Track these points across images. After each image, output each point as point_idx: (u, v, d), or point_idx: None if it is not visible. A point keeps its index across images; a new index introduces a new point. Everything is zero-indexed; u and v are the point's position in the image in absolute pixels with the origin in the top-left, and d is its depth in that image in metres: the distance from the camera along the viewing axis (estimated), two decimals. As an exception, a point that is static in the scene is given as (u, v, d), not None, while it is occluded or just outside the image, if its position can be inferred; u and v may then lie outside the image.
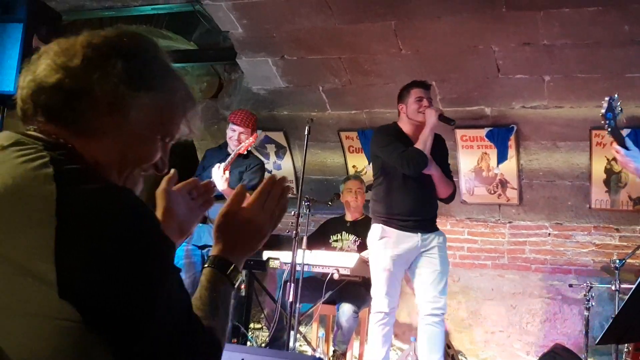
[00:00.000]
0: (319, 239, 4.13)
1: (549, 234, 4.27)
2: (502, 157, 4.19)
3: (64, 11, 4.03)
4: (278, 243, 4.12)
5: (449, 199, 3.32)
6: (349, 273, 3.57)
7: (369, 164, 4.60)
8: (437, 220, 3.31)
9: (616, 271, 3.19)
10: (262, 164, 3.81)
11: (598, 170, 4.02)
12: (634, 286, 2.16)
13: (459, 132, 4.21)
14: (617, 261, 3.21)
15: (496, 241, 4.41)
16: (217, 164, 3.45)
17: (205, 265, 0.96)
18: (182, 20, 4.83)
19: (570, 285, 3.79)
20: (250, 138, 3.58)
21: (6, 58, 3.52)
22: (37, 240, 0.72)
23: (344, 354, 3.71)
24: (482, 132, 4.19)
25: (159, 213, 1.06)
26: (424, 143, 3.08)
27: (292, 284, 3.11)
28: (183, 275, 1.09)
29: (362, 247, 4.00)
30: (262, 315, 4.54)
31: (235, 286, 0.96)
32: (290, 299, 3.10)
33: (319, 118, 4.41)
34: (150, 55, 0.91)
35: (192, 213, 1.11)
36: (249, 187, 3.54)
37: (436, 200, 3.28)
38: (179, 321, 0.79)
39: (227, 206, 1.01)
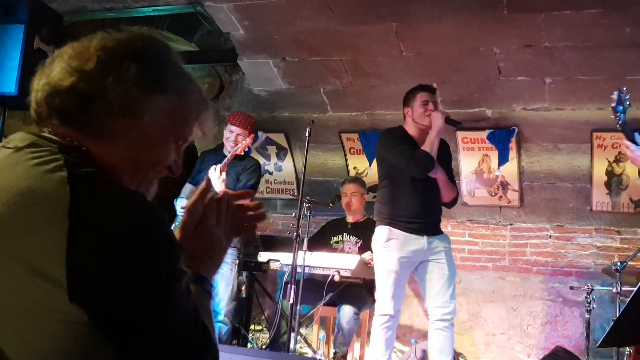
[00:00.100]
0: (320, 240, 4.13)
1: (550, 236, 4.27)
2: (503, 159, 4.19)
3: (66, 12, 4.04)
4: (278, 245, 4.12)
5: (452, 203, 3.33)
6: (349, 275, 3.57)
7: (370, 165, 4.61)
8: (437, 222, 3.32)
9: (617, 273, 3.19)
10: (259, 164, 3.82)
11: (599, 172, 4.02)
12: (635, 289, 2.16)
13: (460, 134, 4.21)
14: (619, 263, 3.21)
15: (497, 243, 4.40)
16: (214, 166, 3.46)
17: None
18: (183, 22, 4.84)
19: (571, 288, 3.79)
20: (247, 139, 3.59)
21: (7, 59, 3.52)
22: (48, 242, 0.72)
23: (344, 356, 3.71)
24: (483, 134, 4.18)
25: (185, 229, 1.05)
26: (431, 145, 3.10)
27: (293, 286, 3.10)
28: None
29: (363, 248, 4.00)
30: (263, 317, 4.53)
31: (213, 297, 0.98)
32: (291, 301, 3.10)
33: (320, 119, 4.41)
34: (164, 58, 0.92)
35: (230, 226, 1.08)
36: (247, 187, 3.56)
37: (441, 204, 3.29)
38: (187, 326, 0.80)
39: (181, 225, 1.00)
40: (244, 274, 4.06)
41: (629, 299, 2.18)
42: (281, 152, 4.92)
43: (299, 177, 4.87)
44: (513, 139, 4.15)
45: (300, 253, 3.24)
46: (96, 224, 0.73)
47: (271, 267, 3.82)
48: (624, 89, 2.20)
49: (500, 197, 4.30)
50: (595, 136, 3.96)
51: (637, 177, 3.92)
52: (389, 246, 3.14)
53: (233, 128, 3.63)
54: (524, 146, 4.21)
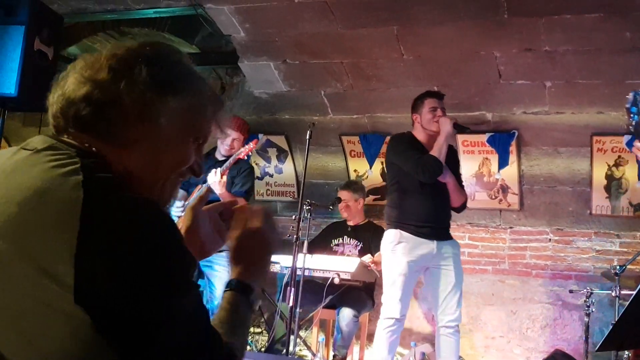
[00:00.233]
0: (321, 243, 4.13)
1: (550, 239, 4.27)
2: (503, 163, 4.20)
3: (66, 14, 4.04)
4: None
5: (461, 208, 3.36)
6: (349, 277, 3.57)
7: (370, 168, 4.61)
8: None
9: (616, 277, 3.20)
10: (252, 168, 3.85)
11: (599, 176, 4.02)
12: (634, 292, 2.16)
13: (460, 137, 4.22)
14: (618, 267, 3.22)
15: (497, 246, 4.41)
16: (214, 169, 3.47)
17: (226, 289, 0.97)
18: (185, 24, 4.84)
19: (571, 291, 3.79)
20: (251, 143, 3.61)
21: (7, 60, 3.52)
22: (59, 243, 0.72)
23: (343, 359, 3.71)
24: (484, 138, 4.19)
25: (183, 229, 1.06)
26: (439, 150, 3.12)
27: (292, 288, 3.11)
28: None
29: (363, 251, 4.01)
30: (262, 320, 4.53)
31: (254, 309, 0.97)
32: (290, 303, 3.10)
33: (320, 122, 4.42)
34: (174, 59, 0.93)
35: (219, 235, 1.11)
36: (242, 191, 3.59)
37: (450, 208, 3.32)
38: (196, 336, 0.79)
39: (238, 229, 1.02)
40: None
41: (628, 303, 2.18)
42: (282, 155, 4.92)
43: (299, 179, 4.87)
44: (513, 143, 4.16)
45: (300, 255, 3.24)
46: (107, 229, 0.74)
47: (270, 269, 3.82)
48: None
49: (500, 200, 4.31)
50: (595, 140, 3.97)
51: (636, 181, 3.93)
52: (398, 249, 3.17)
53: (229, 132, 3.64)
54: (524, 150, 4.21)
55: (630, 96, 2.19)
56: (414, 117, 3.32)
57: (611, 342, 2.28)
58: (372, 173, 4.64)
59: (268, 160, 4.95)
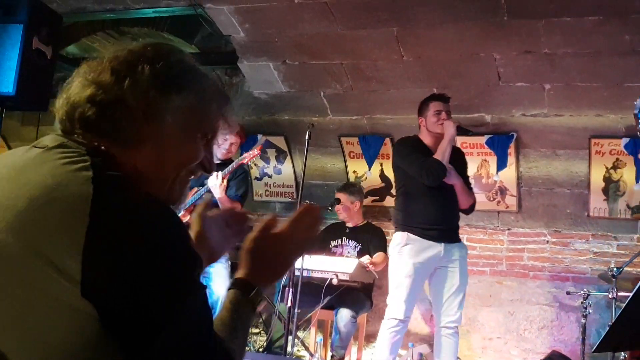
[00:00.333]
0: (320, 244, 4.13)
1: (548, 241, 4.28)
2: (501, 165, 4.21)
3: (65, 13, 4.04)
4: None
5: (470, 209, 3.38)
6: (347, 278, 3.57)
7: (369, 169, 4.62)
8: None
9: (614, 279, 3.21)
10: (246, 172, 3.89)
11: (597, 178, 4.03)
12: (631, 294, 2.17)
13: (459, 139, 4.21)
14: (615, 269, 3.23)
15: (495, 248, 4.41)
16: (215, 173, 3.48)
17: (229, 287, 0.96)
18: (184, 24, 4.84)
19: (568, 293, 3.80)
20: (256, 150, 3.66)
21: (6, 59, 3.51)
22: (68, 237, 0.73)
23: (341, 359, 3.71)
24: (482, 139, 4.20)
25: (193, 235, 1.07)
26: (442, 153, 3.14)
27: (291, 289, 3.11)
28: None
29: (362, 253, 4.01)
30: (260, 320, 4.53)
31: (257, 311, 0.97)
32: (289, 304, 3.11)
33: (320, 123, 4.42)
34: (175, 58, 0.93)
35: (225, 241, 1.12)
36: (237, 195, 3.60)
37: (458, 210, 3.33)
38: (198, 337, 0.79)
39: (258, 231, 1.01)
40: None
41: (625, 305, 2.19)
42: (281, 155, 4.92)
43: (298, 180, 4.87)
44: (512, 145, 4.17)
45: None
46: (115, 226, 0.74)
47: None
48: None
49: (499, 202, 4.32)
50: (594, 142, 3.98)
51: (634, 184, 3.94)
52: (404, 251, 3.18)
53: (227, 136, 3.65)
54: (522, 152, 4.22)
55: (638, 102, 2.20)
56: (419, 120, 3.34)
57: (608, 344, 2.28)
58: (371, 174, 4.64)
59: (267, 160, 4.95)
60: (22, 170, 0.81)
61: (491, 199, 4.34)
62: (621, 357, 3.07)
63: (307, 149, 3.32)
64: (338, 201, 4.14)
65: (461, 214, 3.39)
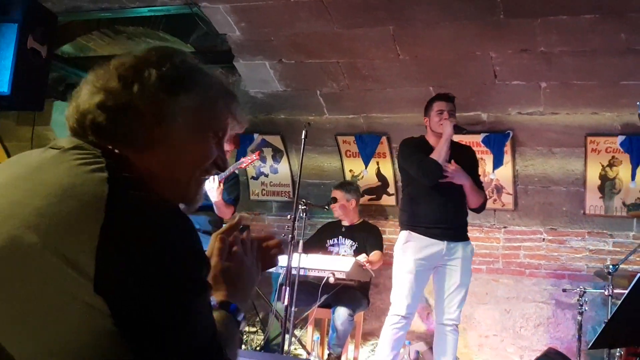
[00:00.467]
0: (316, 243, 4.14)
1: (544, 239, 4.30)
2: (497, 163, 4.21)
3: (60, 12, 4.02)
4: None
5: (480, 209, 3.40)
6: (344, 277, 3.58)
7: (366, 168, 4.62)
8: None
9: (609, 276, 3.22)
10: (238, 176, 3.92)
11: (593, 176, 4.05)
12: (626, 291, 2.18)
13: (455, 138, 4.22)
14: (611, 266, 3.24)
15: (491, 246, 4.42)
16: (211, 177, 3.49)
17: (214, 309, 0.99)
18: (180, 23, 4.82)
19: (564, 290, 3.81)
20: (254, 155, 3.68)
21: (0, 59, 3.50)
22: (82, 234, 0.75)
23: (338, 358, 3.72)
24: (479, 138, 4.20)
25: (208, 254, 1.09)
26: (438, 153, 3.17)
27: (287, 288, 3.11)
28: None
29: (359, 251, 4.02)
30: (257, 319, 4.53)
31: (240, 327, 1.00)
32: (285, 303, 3.11)
33: (316, 122, 4.42)
34: (179, 58, 0.95)
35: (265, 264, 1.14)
36: (230, 199, 3.64)
37: (465, 209, 3.34)
38: (203, 340, 0.80)
39: (216, 259, 1.04)
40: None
41: (620, 302, 2.20)
42: (277, 154, 4.92)
43: (294, 179, 4.87)
44: (508, 143, 4.18)
45: (295, 255, 3.24)
46: (129, 225, 0.76)
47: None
48: None
49: (495, 200, 4.33)
50: (590, 140, 3.99)
51: (630, 181, 3.96)
52: (407, 248, 3.23)
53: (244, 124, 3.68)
54: (518, 150, 4.23)
55: None
56: (424, 120, 3.38)
57: (604, 340, 2.30)
58: (367, 173, 4.64)
59: (263, 160, 4.94)
60: (38, 170, 0.83)
61: (487, 197, 4.34)
62: (617, 354, 3.09)
63: (303, 148, 3.32)
64: (334, 200, 4.15)
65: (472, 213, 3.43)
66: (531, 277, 4.29)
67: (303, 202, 3.58)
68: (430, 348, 3.93)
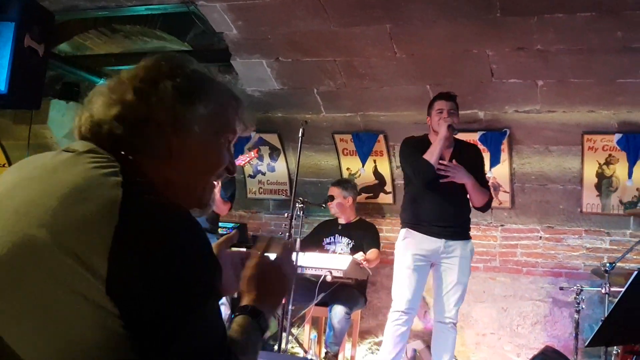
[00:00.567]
0: (313, 241, 4.14)
1: (541, 237, 4.30)
2: (494, 161, 4.21)
3: (57, 11, 4.01)
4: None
5: (484, 207, 3.40)
6: (341, 275, 3.58)
7: (363, 166, 4.62)
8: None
9: (606, 274, 3.22)
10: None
11: (590, 174, 4.05)
12: (623, 289, 2.19)
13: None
14: (608, 264, 3.24)
15: (488, 244, 4.43)
16: None
17: (237, 313, 0.99)
18: (176, 21, 4.82)
19: (561, 288, 3.82)
20: (252, 152, 3.68)
21: (-3, 57, 3.49)
22: (96, 235, 0.76)
23: (335, 356, 3.72)
24: (476, 136, 4.20)
25: None
26: (431, 153, 3.18)
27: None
28: None
29: (355, 249, 4.02)
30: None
31: (264, 336, 1.00)
32: (282, 301, 3.11)
33: (313, 120, 4.42)
34: (189, 68, 0.97)
35: (237, 280, 1.13)
36: (227, 196, 3.64)
37: (466, 208, 3.35)
38: (210, 344, 0.81)
39: (258, 257, 1.06)
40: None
41: (617, 300, 2.21)
42: (274, 153, 4.92)
43: (291, 177, 4.87)
44: (505, 141, 4.18)
45: (293, 254, 3.24)
46: (143, 229, 0.77)
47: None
48: None
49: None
50: (586, 138, 4.00)
51: (626, 179, 3.96)
52: (405, 245, 3.27)
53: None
54: (515, 148, 4.24)
55: None
56: (427, 119, 3.40)
57: (601, 338, 2.30)
58: (364, 171, 4.64)
59: (260, 158, 4.94)
60: (53, 171, 0.84)
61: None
62: (614, 352, 3.09)
63: (300, 146, 3.32)
64: (332, 198, 4.15)
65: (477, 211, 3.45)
66: (528, 275, 4.30)
67: (300, 200, 3.58)
68: (428, 346, 3.94)
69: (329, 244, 4.16)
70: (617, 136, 3.90)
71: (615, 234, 4.10)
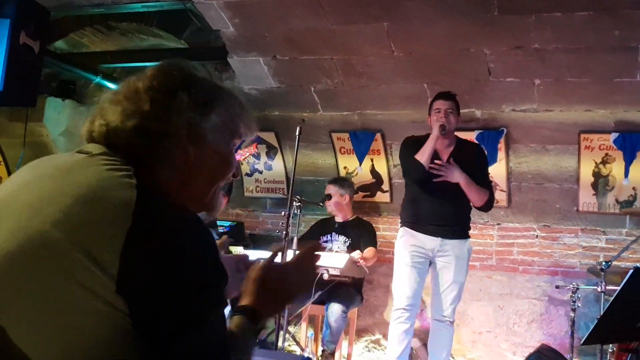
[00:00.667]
0: (310, 239, 4.13)
1: (537, 236, 4.31)
2: (491, 160, 4.20)
3: (53, 8, 3.99)
4: (268, 243, 4.12)
5: (485, 207, 3.38)
6: (338, 273, 3.58)
7: (360, 165, 4.62)
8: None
9: (602, 273, 3.23)
10: None
11: (586, 173, 4.06)
12: (619, 288, 2.20)
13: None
14: (604, 263, 3.25)
15: (484, 243, 4.44)
16: None
17: (235, 312, 1.01)
18: (173, 19, 4.79)
19: (557, 287, 3.82)
20: (251, 147, 3.66)
21: (-8, 54, 3.47)
22: (109, 234, 0.77)
23: (332, 354, 3.72)
24: (473, 135, 4.21)
25: None
26: (422, 153, 3.20)
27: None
28: None
29: (352, 247, 4.02)
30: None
31: (259, 339, 1.01)
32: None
33: (310, 119, 4.41)
34: (199, 77, 0.98)
35: (232, 285, 1.14)
36: (225, 191, 3.62)
37: (466, 207, 3.35)
38: (218, 347, 0.83)
39: (267, 260, 1.07)
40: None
41: (612, 298, 2.22)
42: (271, 151, 4.91)
43: (289, 176, 4.86)
44: (502, 140, 4.19)
45: (290, 252, 3.24)
46: (155, 231, 0.79)
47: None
48: None
49: (489, 197, 4.33)
50: (583, 138, 4.01)
51: (623, 178, 3.97)
52: (403, 243, 3.31)
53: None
54: (512, 147, 4.24)
55: None
56: (428, 119, 3.41)
57: (596, 336, 2.31)
58: (361, 170, 4.64)
59: (257, 156, 4.94)
60: (67, 171, 0.86)
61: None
62: (609, 350, 3.11)
63: (297, 145, 3.32)
64: (329, 197, 4.15)
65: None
66: (524, 274, 4.31)
67: (297, 198, 3.58)
68: (424, 344, 3.95)
69: (326, 242, 4.16)
70: (614, 135, 3.92)
71: (611, 232, 4.11)
